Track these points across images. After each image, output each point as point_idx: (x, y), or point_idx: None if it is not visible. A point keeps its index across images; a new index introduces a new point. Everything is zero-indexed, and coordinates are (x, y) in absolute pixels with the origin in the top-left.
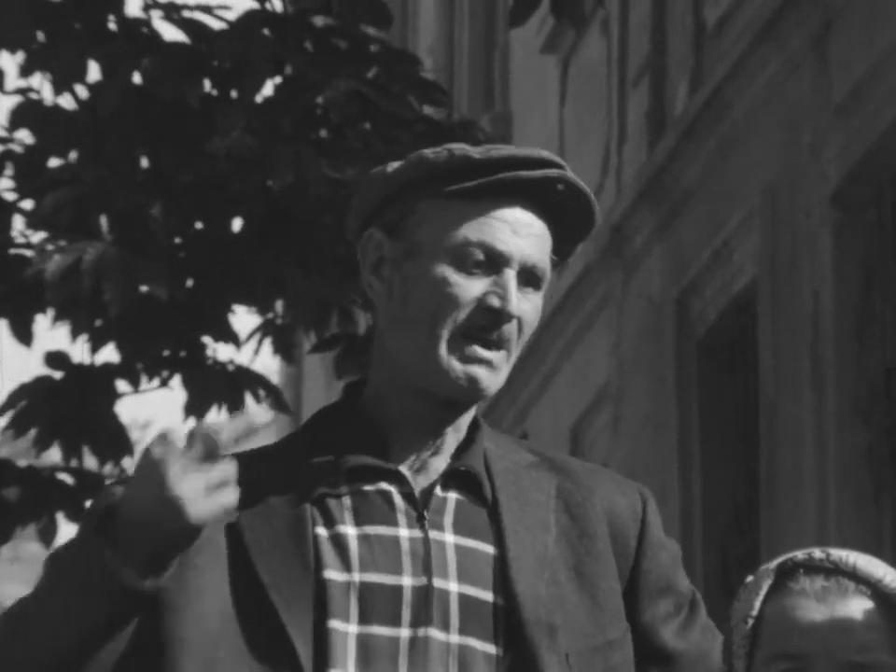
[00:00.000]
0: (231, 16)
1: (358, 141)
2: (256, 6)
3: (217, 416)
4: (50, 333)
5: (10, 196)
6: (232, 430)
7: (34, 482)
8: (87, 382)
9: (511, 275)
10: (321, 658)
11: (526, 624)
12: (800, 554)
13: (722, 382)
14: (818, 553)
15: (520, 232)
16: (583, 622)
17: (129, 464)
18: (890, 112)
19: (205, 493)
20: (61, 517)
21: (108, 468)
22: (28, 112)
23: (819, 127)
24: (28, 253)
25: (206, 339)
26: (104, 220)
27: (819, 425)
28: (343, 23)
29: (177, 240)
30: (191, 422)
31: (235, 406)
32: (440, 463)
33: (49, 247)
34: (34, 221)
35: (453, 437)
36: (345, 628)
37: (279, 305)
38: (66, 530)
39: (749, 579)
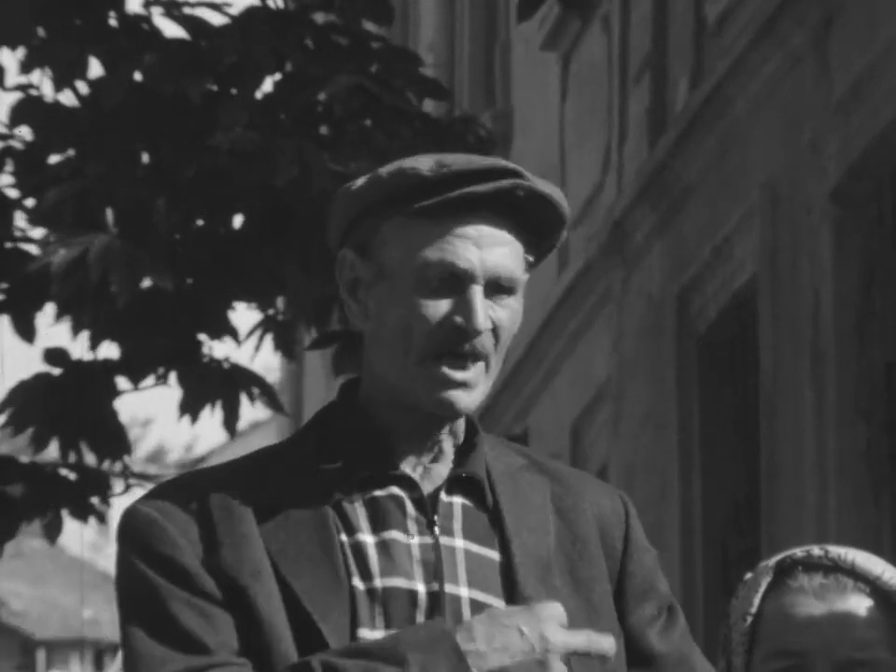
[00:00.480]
0: (232, 13)
1: (359, 137)
2: (257, 2)
3: (210, 415)
4: (50, 331)
5: (11, 193)
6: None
7: (37, 478)
8: (86, 379)
9: (475, 291)
10: None
11: None
12: (799, 552)
13: (723, 379)
14: (816, 550)
15: (483, 246)
16: (581, 625)
17: (127, 461)
18: (890, 109)
19: None
20: (65, 513)
21: (107, 464)
22: (29, 108)
23: (819, 124)
24: (30, 248)
25: (203, 336)
26: (109, 214)
27: (818, 422)
28: (344, 19)
29: (178, 236)
30: (186, 420)
31: (229, 405)
32: (442, 468)
33: (54, 240)
34: (35, 217)
35: (449, 441)
36: (373, 636)
37: (280, 302)
38: (69, 526)
39: (748, 576)
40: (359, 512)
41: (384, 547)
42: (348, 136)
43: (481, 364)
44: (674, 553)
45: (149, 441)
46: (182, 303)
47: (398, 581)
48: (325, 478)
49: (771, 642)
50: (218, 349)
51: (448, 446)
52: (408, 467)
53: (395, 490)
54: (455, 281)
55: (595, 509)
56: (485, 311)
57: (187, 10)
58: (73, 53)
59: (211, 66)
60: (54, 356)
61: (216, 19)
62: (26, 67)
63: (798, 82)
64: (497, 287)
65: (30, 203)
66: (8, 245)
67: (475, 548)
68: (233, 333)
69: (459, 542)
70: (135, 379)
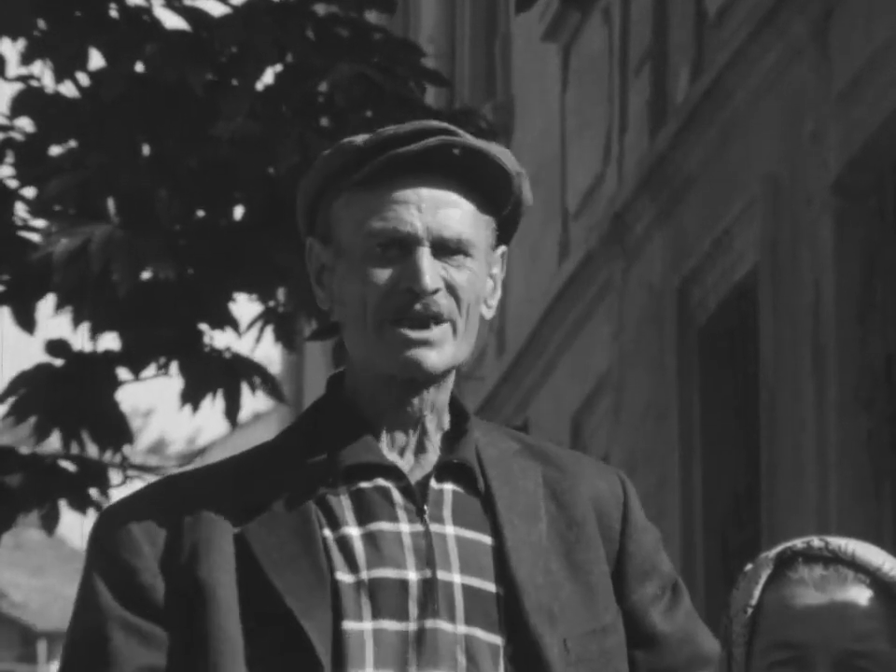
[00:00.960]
0: (233, 2)
1: (361, 127)
2: None
3: (212, 404)
4: (51, 321)
5: (12, 184)
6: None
7: (36, 469)
8: (87, 369)
9: (421, 253)
10: (339, 660)
11: (528, 613)
12: (799, 543)
13: (723, 370)
14: (816, 541)
15: (424, 209)
16: (578, 608)
17: (130, 451)
18: (891, 100)
19: None
20: (63, 504)
21: (109, 455)
22: (29, 99)
23: (820, 115)
24: (31, 236)
25: (204, 326)
26: (110, 203)
27: (819, 413)
28: (346, 9)
29: (179, 227)
30: (188, 410)
31: (231, 394)
32: (431, 456)
33: (56, 230)
34: (36, 208)
35: (433, 422)
36: (360, 626)
37: (280, 293)
38: (69, 517)
39: (748, 567)
40: (345, 505)
41: (370, 538)
42: (350, 126)
43: (445, 325)
44: (674, 543)
45: (150, 432)
46: (183, 293)
47: (386, 572)
48: (310, 473)
49: (771, 634)
50: (219, 339)
51: (432, 427)
52: (395, 455)
53: (381, 481)
54: (400, 246)
55: (592, 491)
56: (434, 271)
57: (187, 1)
58: (74, 45)
59: (212, 57)
60: (56, 347)
61: (216, 9)
62: (27, 58)
63: (799, 74)
64: (446, 249)
65: (30, 193)
66: (10, 235)
67: (467, 534)
68: (234, 324)
69: (450, 529)
70: (136, 370)
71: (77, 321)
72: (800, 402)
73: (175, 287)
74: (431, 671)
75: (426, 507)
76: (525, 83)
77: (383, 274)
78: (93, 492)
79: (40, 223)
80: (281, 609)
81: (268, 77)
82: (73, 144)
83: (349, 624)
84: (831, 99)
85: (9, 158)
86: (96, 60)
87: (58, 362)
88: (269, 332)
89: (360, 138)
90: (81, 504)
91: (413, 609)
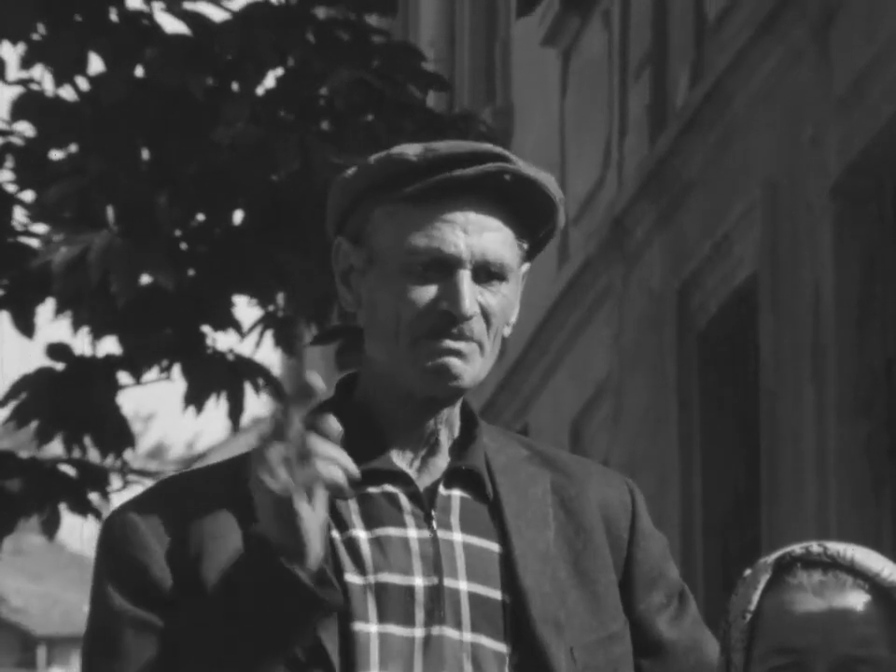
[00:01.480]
0: (233, 8)
1: (361, 132)
2: None
3: (215, 407)
4: (52, 325)
5: (11, 188)
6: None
7: (36, 473)
8: (89, 373)
9: (462, 277)
10: (347, 661)
11: (535, 621)
12: (798, 549)
13: (723, 374)
14: (815, 547)
15: (470, 231)
16: (585, 616)
17: (130, 456)
18: (891, 105)
19: (306, 473)
20: (63, 509)
21: (110, 460)
22: (29, 104)
23: (819, 119)
24: (30, 242)
25: (206, 328)
26: (109, 211)
27: (819, 417)
28: (346, 12)
29: (179, 232)
30: (190, 412)
31: (234, 396)
32: (440, 461)
33: (56, 238)
34: (36, 213)
35: (446, 433)
36: (367, 628)
37: (280, 298)
38: (69, 522)
39: (747, 573)
40: (352, 509)
41: (377, 543)
42: (350, 131)
43: (474, 344)
44: (674, 547)
45: (151, 437)
46: (184, 297)
47: (392, 577)
48: None
49: (770, 639)
50: (222, 342)
51: (444, 437)
52: (404, 461)
53: (388, 487)
54: (442, 266)
55: (600, 498)
56: (473, 296)
57: (188, 6)
58: (74, 49)
59: (212, 62)
60: (57, 351)
61: (217, 14)
62: (27, 62)
63: (799, 78)
64: (486, 273)
65: (30, 198)
66: (9, 240)
67: (474, 540)
68: (237, 325)
69: (457, 536)
70: (137, 374)
71: (76, 325)
72: (800, 407)
73: (175, 291)
74: None
75: (433, 513)
76: (525, 88)
77: (421, 293)
78: (94, 496)
79: (40, 228)
80: None
81: (268, 81)
82: (73, 148)
83: (358, 626)
84: (830, 103)
85: (9, 162)
86: (96, 64)
87: (59, 366)
88: (269, 337)
89: (413, 151)
90: (81, 509)
91: (420, 616)
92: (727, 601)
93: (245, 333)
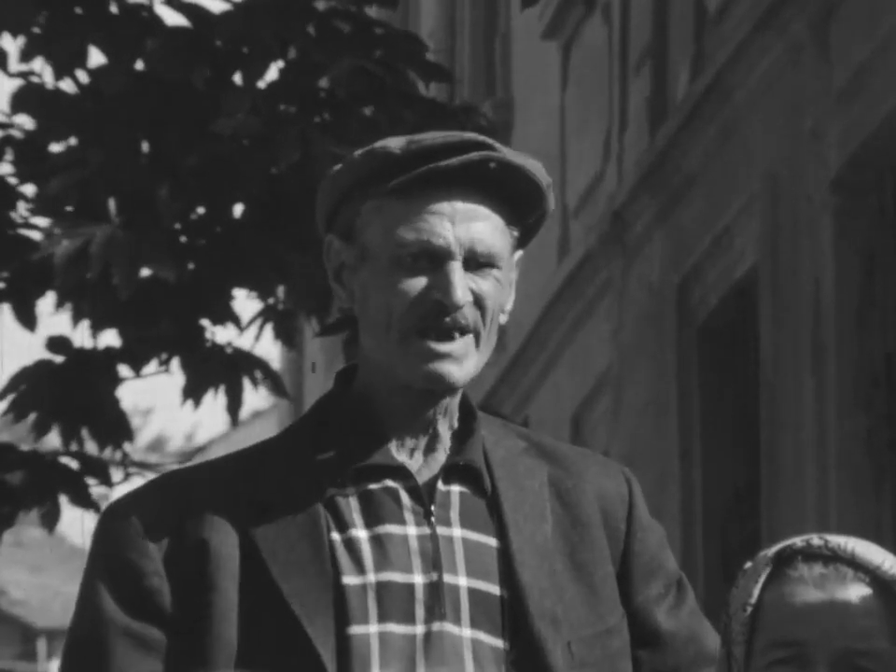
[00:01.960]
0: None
1: (363, 123)
2: None
3: (213, 400)
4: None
5: (12, 181)
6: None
7: (37, 466)
8: (88, 366)
9: (452, 267)
10: (344, 665)
11: (532, 616)
12: (798, 541)
13: (723, 367)
14: (816, 539)
15: (458, 221)
16: (582, 610)
17: (130, 449)
18: (891, 98)
19: None
20: (63, 502)
21: (108, 452)
22: (29, 96)
23: (820, 113)
24: (31, 234)
25: (205, 322)
26: (111, 203)
27: (819, 411)
28: (347, 4)
29: (178, 225)
30: (189, 406)
31: (233, 389)
32: (439, 456)
33: (57, 231)
34: (38, 206)
35: (445, 424)
36: (366, 630)
37: (280, 291)
38: (69, 514)
39: (748, 566)
40: (353, 507)
41: (377, 542)
42: (352, 121)
43: (469, 337)
44: (674, 540)
45: (150, 430)
46: (183, 290)
47: (393, 576)
48: (318, 472)
49: (770, 632)
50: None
51: (443, 429)
52: (404, 455)
53: (389, 482)
54: (431, 258)
55: (598, 490)
56: (464, 285)
57: None
58: (74, 41)
59: (213, 53)
60: (57, 344)
61: (216, 6)
62: (27, 55)
63: (799, 71)
64: (476, 262)
65: (30, 190)
66: (10, 232)
67: (473, 536)
68: (236, 319)
69: (457, 532)
70: (137, 366)
71: (77, 318)
72: (799, 400)
73: (175, 284)
74: None
75: (433, 509)
76: (525, 81)
77: (412, 285)
78: (94, 489)
79: (41, 221)
80: (286, 614)
81: (269, 74)
82: (73, 141)
83: (355, 629)
84: (831, 97)
85: (9, 155)
86: (96, 57)
87: (59, 359)
88: (268, 330)
89: (396, 144)
90: (82, 501)
91: (420, 613)
92: (727, 594)
93: (245, 326)
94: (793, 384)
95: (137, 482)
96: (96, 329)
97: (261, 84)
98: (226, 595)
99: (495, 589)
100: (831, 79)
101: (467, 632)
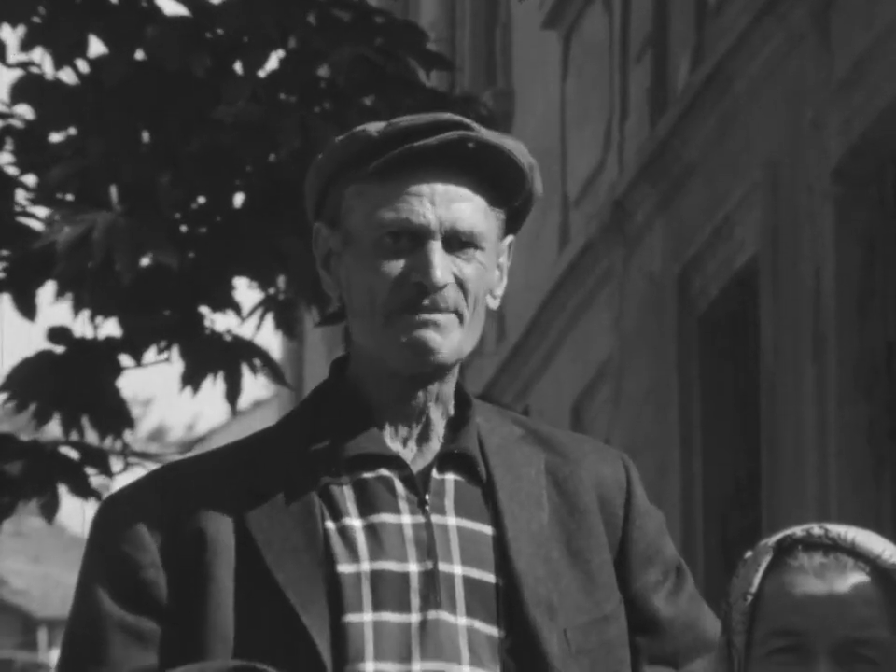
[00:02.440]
0: None
1: (363, 113)
2: None
3: (212, 387)
4: (52, 309)
5: (11, 171)
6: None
7: (37, 456)
8: (89, 356)
9: (432, 247)
10: (339, 653)
11: (527, 604)
12: (799, 531)
13: (724, 357)
14: (816, 529)
15: (438, 202)
16: (578, 597)
17: (130, 438)
18: (892, 87)
19: None
20: (64, 492)
21: (108, 442)
22: (29, 86)
23: (820, 102)
24: (31, 223)
25: (204, 309)
26: (113, 191)
27: (820, 400)
28: None
29: (178, 214)
30: (189, 396)
31: (231, 377)
32: (433, 444)
33: (58, 218)
34: (38, 196)
35: (438, 411)
36: (361, 618)
37: (281, 281)
38: (70, 504)
39: (748, 555)
40: (347, 496)
41: (372, 531)
42: (352, 110)
43: (452, 316)
44: (674, 530)
45: (150, 420)
46: (183, 277)
47: (387, 564)
48: (313, 462)
49: (771, 621)
50: (220, 323)
51: (437, 417)
52: (398, 444)
53: (383, 471)
54: (411, 238)
55: (595, 477)
56: (445, 266)
57: None
58: (74, 32)
59: (213, 42)
60: (57, 334)
61: None
62: (27, 45)
63: (799, 61)
64: (458, 242)
65: (31, 180)
66: (10, 221)
67: (468, 524)
68: (236, 307)
69: (451, 520)
70: (138, 356)
71: (77, 308)
72: (800, 390)
73: (175, 272)
74: (435, 662)
75: (427, 497)
76: (526, 71)
77: (393, 266)
78: (95, 479)
79: (41, 210)
80: (281, 603)
81: (270, 63)
82: (73, 131)
83: (350, 617)
84: (831, 87)
85: (9, 145)
86: (96, 47)
87: (59, 349)
88: (269, 320)
89: (375, 127)
90: (82, 491)
91: (415, 601)
92: (728, 583)
93: (246, 316)
94: (794, 373)
95: (138, 472)
96: (96, 316)
97: (262, 73)
98: (222, 583)
99: (490, 577)
100: (831, 69)
101: (462, 620)
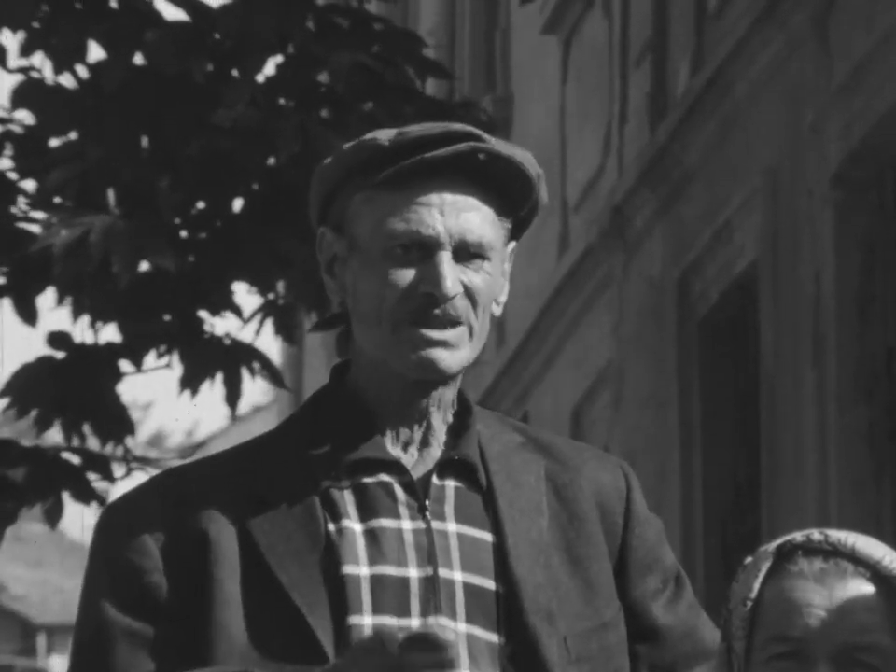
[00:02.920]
0: None
1: (362, 120)
2: None
3: (211, 391)
4: (53, 314)
5: (12, 175)
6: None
7: (39, 461)
8: (89, 362)
9: (442, 258)
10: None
11: (527, 612)
12: (799, 536)
13: (723, 362)
14: (816, 534)
15: (448, 212)
16: (578, 605)
17: (130, 444)
18: (892, 92)
19: None
20: (66, 497)
21: (110, 447)
22: (29, 91)
23: (820, 107)
24: (31, 228)
25: (204, 313)
26: (111, 194)
27: (820, 404)
28: (346, 1)
29: (178, 219)
30: (189, 401)
31: (231, 380)
32: (434, 450)
33: (55, 221)
34: (37, 200)
35: (439, 416)
36: (363, 622)
37: (280, 285)
38: (70, 510)
39: (748, 560)
40: (347, 500)
41: (371, 535)
42: (351, 116)
43: (461, 328)
44: (674, 535)
45: (150, 425)
46: (183, 282)
47: (387, 569)
48: (314, 465)
49: (771, 627)
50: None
51: (438, 423)
52: (398, 449)
53: (384, 476)
54: (421, 249)
55: (595, 485)
56: (454, 276)
57: None
58: (73, 37)
59: (212, 47)
60: (57, 339)
61: (215, 0)
62: (27, 50)
63: (799, 66)
64: (466, 253)
65: (30, 186)
66: (10, 227)
67: (468, 530)
68: (236, 309)
69: (452, 526)
70: (137, 361)
71: (76, 313)
72: (800, 394)
73: (174, 277)
74: None
75: (428, 503)
76: (525, 76)
77: (402, 276)
78: (96, 484)
79: (40, 215)
80: (287, 605)
81: (268, 68)
82: (73, 136)
83: (354, 619)
84: (831, 91)
85: (9, 150)
86: (96, 52)
87: (59, 355)
88: (269, 325)
89: (385, 136)
90: (84, 496)
91: (415, 607)
92: (727, 589)
93: (246, 321)
94: (794, 377)
95: (139, 477)
96: (96, 321)
97: (261, 78)
98: (226, 585)
99: (490, 584)
100: (831, 74)
101: (462, 627)
